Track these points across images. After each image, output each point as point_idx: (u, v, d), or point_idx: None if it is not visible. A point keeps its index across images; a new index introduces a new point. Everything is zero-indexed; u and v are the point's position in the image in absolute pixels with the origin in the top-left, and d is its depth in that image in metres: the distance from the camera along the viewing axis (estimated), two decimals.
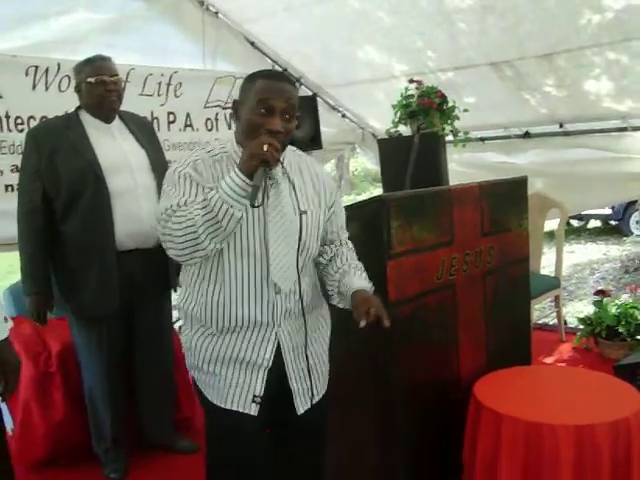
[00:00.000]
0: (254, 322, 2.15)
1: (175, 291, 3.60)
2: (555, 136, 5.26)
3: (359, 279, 2.25)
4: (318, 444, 2.41)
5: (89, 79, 3.23)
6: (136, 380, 3.57)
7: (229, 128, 5.07)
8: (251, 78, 2.10)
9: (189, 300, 2.20)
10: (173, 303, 3.72)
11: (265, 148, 1.94)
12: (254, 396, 2.17)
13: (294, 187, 2.16)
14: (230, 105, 2.23)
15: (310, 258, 2.24)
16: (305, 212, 2.16)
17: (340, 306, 2.28)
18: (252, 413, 2.17)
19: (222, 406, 2.18)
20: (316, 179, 2.26)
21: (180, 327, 2.38)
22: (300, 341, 2.24)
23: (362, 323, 2.02)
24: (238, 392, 2.18)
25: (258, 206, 2.00)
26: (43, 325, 3.38)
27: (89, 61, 3.27)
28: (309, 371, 2.26)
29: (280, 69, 5.52)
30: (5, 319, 2.14)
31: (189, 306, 2.19)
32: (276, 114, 2.03)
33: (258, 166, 1.93)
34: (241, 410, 2.17)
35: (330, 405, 2.40)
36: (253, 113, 2.03)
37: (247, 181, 1.92)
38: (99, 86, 3.23)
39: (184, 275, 2.23)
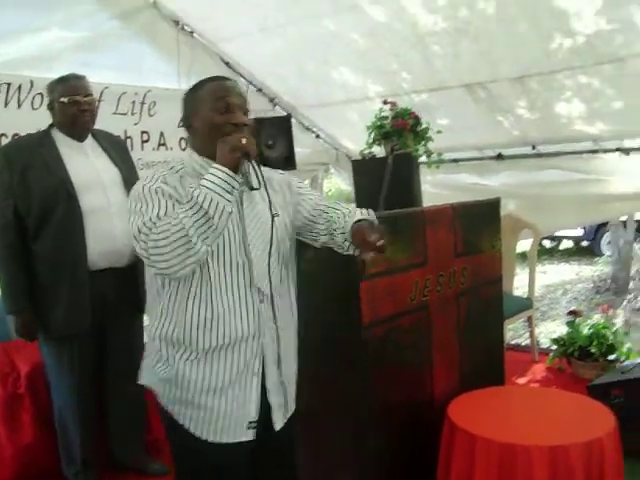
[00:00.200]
0: (242, 336, 2.06)
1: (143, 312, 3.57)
2: (527, 158, 5.30)
3: (358, 215, 2.18)
4: (291, 462, 2.36)
5: (62, 98, 3.21)
6: (107, 401, 3.53)
7: None
8: (196, 87, 2.12)
9: (166, 324, 2.05)
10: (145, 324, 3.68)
11: (244, 140, 1.94)
12: (249, 422, 2.10)
13: (266, 189, 2.09)
14: (184, 122, 2.13)
15: (279, 262, 2.18)
16: (277, 214, 2.14)
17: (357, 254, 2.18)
18: (248, 439, 2.10)
19: (215, 441, 2.07)
20: (276, 183, 2.24)
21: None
22: (274, 351, 2.17)
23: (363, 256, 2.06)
24: (233, 422, 2.08)
25: (258, 188, 2.02)
26: (32, 342, 3.33)
27: (62, 80, 3.25)
28: (281, 383, 2.20)
29: (255, 89, 5.54)
30: None
31: (167, 331, 2.05)
32: (235, 109, 2.05)
33: (240, 158, 1.93)
34: (237, 440, 2.08)
35: (297, 423, 2.33)
36: (213, 113, 2.03)
37: (231, 174, 1.91)
38: (72, 106, 3.21)
39: (155, 299, 2.10)
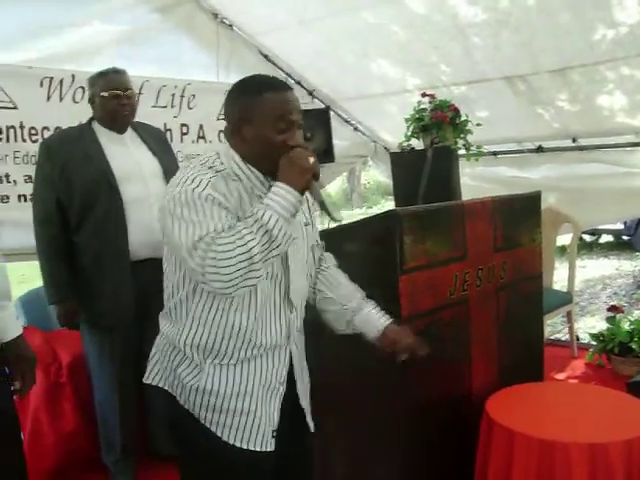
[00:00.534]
0: (274, 345, 2.04)
1: None
2: (568, 151, 5.23)
3: (377, 312, 2.26)
4: (314, 463, 2.34)
5: (103, 93, 3.24)
6: (147, 392, 3.56)
7: None
8: (252, 91, 1.96)
9: (199, 332, 1.99)
10: None
11: (311, 161, 1.89)
12: (272, 430, 2.05)
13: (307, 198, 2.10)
14: (233, 121, 1.99)
15: (307, 272, 2.18)
16: (308, 224, 2.14)
17: (346, 332, 2.27)
18: (270, 449, 2.04)
19: (242, 447, 2.02)
20: None
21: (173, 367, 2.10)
22: (302, 358, 2.21)
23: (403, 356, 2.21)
24: (261, 430, 2.03)
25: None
26: (76, 330, 3.37)
27: (103, 74, 3.28)
28: (306, 389, 2.22)
29: (293, 82, 5.54)
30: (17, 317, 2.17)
31: (199, 339, 1.99)
32: (294, 128, 1.95)
33: (310, 180, 1.89)
34: (261, 449, 2.03)
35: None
36: (273, 131, 1.91)
37: (300, 198, 1.87)
38: (112, 100, 3.24)
39: (181, 305, 2.02)
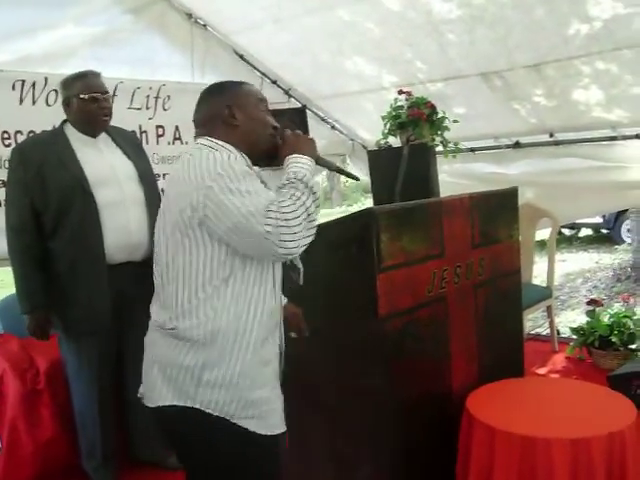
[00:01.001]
0: (278, 324, 2.18)
1: None
2: (545, 146, 5.24)
3: None
4: None
5: (81, 95, 3.21)
6: (126, 396, 3.53)
7: None
8: (234, 84, 2.22)
9: (231, 322, 1.98)
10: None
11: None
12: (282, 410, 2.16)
13: None
14: (223, 110, 2.11)
15: None
16: None
17: None
18: (285, 429, 2.15)
19: (267, 434, 2.05)
20: None
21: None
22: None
23: (293, 334, 2.32)
24: (280, 412, 2.12)
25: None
26: (44, 341, 3.33)
27: (81, 76, 3.25)
28: None
29: (269, 81, 5.52)
30: None
31: (232, 328, 1.99)
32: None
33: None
34: (282, 431, 2.12)
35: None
36: (263, 113, 2.18)
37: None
38: (91, 103, 3.21)
39: (215, 300, 1.98)
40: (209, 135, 2.11)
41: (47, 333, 3.30)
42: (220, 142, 2.08)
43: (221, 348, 1.98)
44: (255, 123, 2.15)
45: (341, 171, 2.24)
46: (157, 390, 2.05)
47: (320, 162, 2.20)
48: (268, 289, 2.06)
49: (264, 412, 2.05)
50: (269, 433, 2.06)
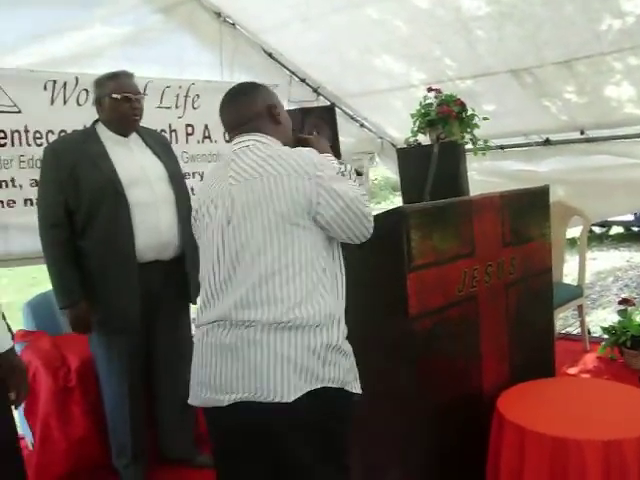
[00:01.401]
0: None
1: (194, 302, 3.59)
2: (576, 143, 5.19)
3: None
4: None
5: (114, 95, 3.23)
6: (157, 395, 3.56)
7: None
8: (264, 85, 2.40)
9: (340, 303, 2.19)
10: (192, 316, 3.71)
11: None
12: None
13: None
14: (268, 109, 2.29)
15: None
16: None
17: None
18: None
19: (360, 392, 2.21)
20: None
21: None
22: None
23: None
24: None
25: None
26: (88, 334, 3.34)
27: (114, 76, 3.27)
28: None
29: (298, 79, 5.52)
30: (9, 328, 2.17)
31: (341, 309, 2.19)
32: None
33: None
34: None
35: None
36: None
37: None
38: (124, 103, 3.24)
39: (326, 284, 2.13)
40: (257, 132, 2.23)
41: (89, 326, 3.30)
42: (271, 139, 2.24)
43: (335, 326, 2.10)
44: (288, 122, 2.35)
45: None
46: (292, 385, 2.03)
47: None
48: (343, 272, 2.23)
49: (356, 373, 2.20)
50: (360, 392, 2.20)
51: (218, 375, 2.09)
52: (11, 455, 2.17)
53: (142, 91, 3.50)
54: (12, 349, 2.14)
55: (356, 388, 2.18)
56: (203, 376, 2.14)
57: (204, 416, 2.25)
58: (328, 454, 2.13)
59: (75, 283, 3.25)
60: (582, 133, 5.11)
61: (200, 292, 2.24)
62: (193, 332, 3.94)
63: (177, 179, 3.39)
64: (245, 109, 2.26)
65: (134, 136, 3.37)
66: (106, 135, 3.30)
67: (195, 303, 3.54)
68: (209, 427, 2.27)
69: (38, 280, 7.74)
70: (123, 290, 3.23)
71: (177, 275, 3.39)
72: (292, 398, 2.02)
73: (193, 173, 4.55)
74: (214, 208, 2.17)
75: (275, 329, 2.03)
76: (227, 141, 4.94)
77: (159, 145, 3.47)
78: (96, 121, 3.35)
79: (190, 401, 2.21)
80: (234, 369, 2.05)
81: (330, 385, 2.07)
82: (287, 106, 4.07)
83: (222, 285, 2.12)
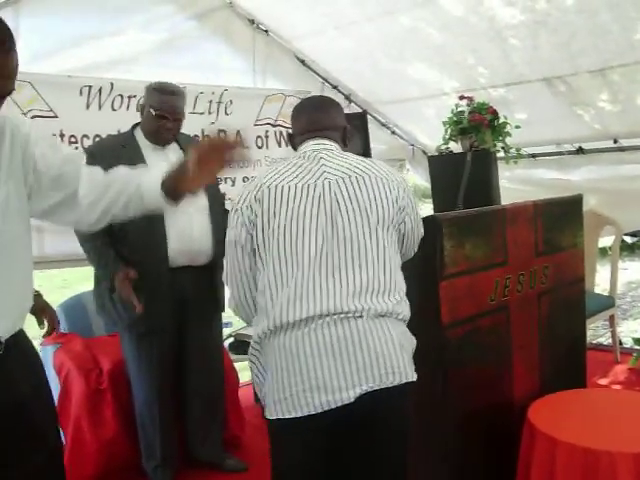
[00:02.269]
0: None
1: (223, 310, 3.61)
2: (609, 152, 5.15)
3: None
4: None
5: (152, 109, 3.26)
6: (186, 398, 3.58)
7: (279, 146, 5.09)
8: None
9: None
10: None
11: None
12: None
13: None
14: (348, 132, 2.39)
15: None
16: None
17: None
18: None
19: None
20: None
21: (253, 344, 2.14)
22: None
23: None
24: None
25: None
26: (131, 301, 3.23)
27: (161, 90, 3.30)
28: None
29: (330, 86, 5.54)
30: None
31: None
32: None
33: None
34: None
35: None
36: None
37: None
38: (159, 119, 3.27)
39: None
40: (335, 142, 2.31)
41: (131, 289, 3.20)
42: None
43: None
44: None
45: None
46: (412, 366, 2.14)
47: None
48: None
49: None
50: None
51: (340, 372, 1.99)
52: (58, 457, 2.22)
53: None
54: (38, 293, 2.49)
55: None
56: (316, 379, 1.99)
57: (306, 423, 2.02)
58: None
59: (114, 256, 3.27)
60: (615, 142, 5.07)
61: (276, 292, 2.06)
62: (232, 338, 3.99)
63: (212, 187, 3.41)
64: (336, 116, 2.36)
65: (173, 145, 3.42)
66: (144, 142, 3.35)
67: (224, 310, 3.57)
68: (308, 435, 2.06)
69: (69, 282, 7.82)
70: (155, 294, 3.26)
71: (209, 281, 3.42)
72: (415, 377, 2.12)
73: (225, 179, 4.58)
74: (305, 203, 2.11)
75: (383, 318, 2.07)
76: (259, 147, 4.98)
77: None
78: (136, 125, 3.39)
79: (294, 414, 2.01)
80: (357, 361, 2.00)
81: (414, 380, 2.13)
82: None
83: (320, 281, 2.05)
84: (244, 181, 4.89)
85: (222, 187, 3.87)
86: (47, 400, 2.17)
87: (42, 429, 2.09)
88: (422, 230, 2.36)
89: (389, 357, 2.03)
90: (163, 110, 3.26)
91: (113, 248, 3.28)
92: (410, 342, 2.17)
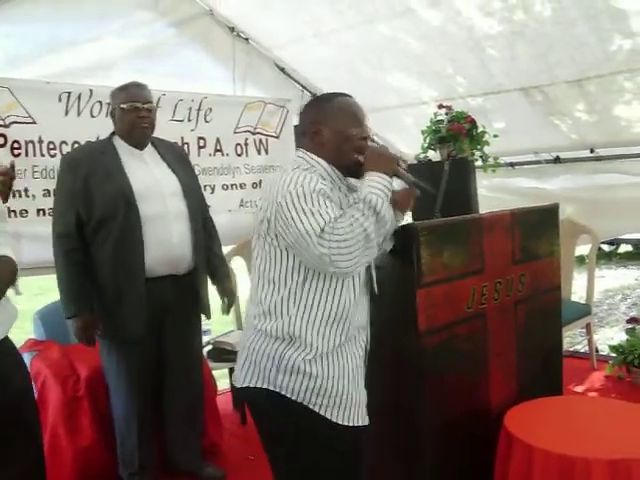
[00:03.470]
0: (361, 326, 2.25)
1: (208, 317, 3.61)
2: (586, 161, 5.19)
3: None
4: None
5: (122, 105, 3.27)
6: (165, 406, 3.57)
7: (258, 153, 5.09)
8: (325, 99, 2.31)
9: (310, 320, 2.12)
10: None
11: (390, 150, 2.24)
12: (365, 406, 2.24)
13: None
14: (309, 127, 2.23)
15: None
16: None
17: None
18: (367, 423, 2.24)
19: (347, 424, 2.15)
20: None
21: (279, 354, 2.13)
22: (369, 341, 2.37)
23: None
24: (360, 406, 2.21)
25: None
26: (91, 346, 3.35)
27: (124, 87, 3.31)
28: None
29: (309, 94, 5.55)
30: None
31: (310, 327, 2.12)
32: (365, 123, 2.27)
33: (397, 166, 2.16)
34: (362, 424, 2.21)
35: None
36: (347, 126, 2.20)
37: (392, 182, 2.12)
38: (131, 112, 3.26)
39: (294, 299, 2.12)
40: (304, 148, 2.25)
41: (93, 337, 3.32)
42: (312, 156, 2.21)
43: (298, 343, 2.11)
44: (340, 139, 2.20)
45: (417, 184, 2.22)
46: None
47: (398, 175, 2.19)
48: (350, 296, 2.16)
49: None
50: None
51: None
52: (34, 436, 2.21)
53: (155, 104, 3.52)
54: None
55: (331, 415, 2.15)
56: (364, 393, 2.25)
57: (360, 434, 2.21)
58: None
59: (83, 292, 3.27)
60: (592, 151, 5.11)
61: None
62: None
63: (192, 193, 3.41)
64: (300, 123, 2.33)
65: (150, 149, 3.40)
66: (122, 147, 3.32)
67: (210, 317, 3.57)
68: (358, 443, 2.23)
69: (44, 290, 7.74)
70: (131, 302, 3.25)
71: (189, 289, 3.41)
72: (245, 384, 2.19)
73: (205, 186, 4.58)
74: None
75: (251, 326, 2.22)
76: (238, 154, 4.98)
77: (176, 158, 3.49)
78: (113, 133, 3.39)
79: (362, 422, 2.21)
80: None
81: (287, 396, 2.14)
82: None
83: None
84: (224, 189, 4.89)
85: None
86: (33, 401, 2.18)
87: (33, 428, 2.10)
88: (310, 245, 1.98)
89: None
90: (133, 100, 3.27)
91: (89, 276, 3.27)
92: (260, 357, 2.17)
